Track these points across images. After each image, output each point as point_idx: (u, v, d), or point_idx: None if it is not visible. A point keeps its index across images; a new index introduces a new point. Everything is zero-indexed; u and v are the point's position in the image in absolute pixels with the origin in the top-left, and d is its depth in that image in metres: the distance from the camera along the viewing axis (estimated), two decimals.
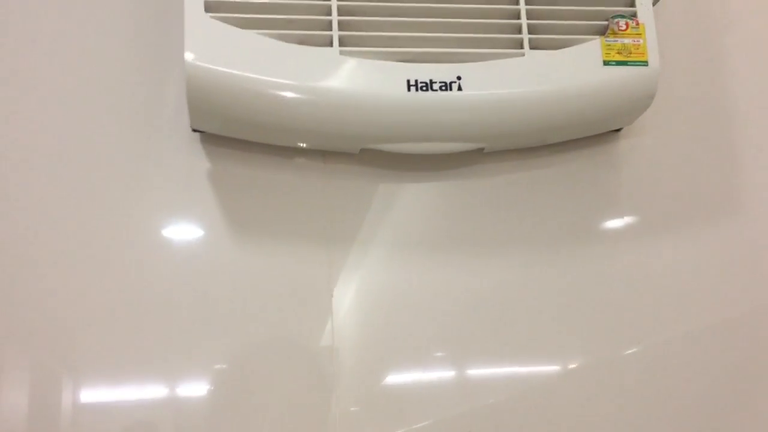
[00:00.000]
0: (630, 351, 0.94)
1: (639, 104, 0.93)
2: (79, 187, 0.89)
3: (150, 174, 0.90)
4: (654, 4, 0.94)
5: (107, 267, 0.87)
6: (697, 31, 1.05)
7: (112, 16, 0.94)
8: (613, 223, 0.99)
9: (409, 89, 0.85)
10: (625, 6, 0.92)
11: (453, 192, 0.96)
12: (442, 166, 0.96)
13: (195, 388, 0.86)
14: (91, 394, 0.84)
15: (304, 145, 0.92)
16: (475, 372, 0.91)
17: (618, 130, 1.01)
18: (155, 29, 0.94)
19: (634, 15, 0.92)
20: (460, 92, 0.86)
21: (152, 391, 0.85)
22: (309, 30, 0.84)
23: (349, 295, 0.91)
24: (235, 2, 0.83)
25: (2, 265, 0.85)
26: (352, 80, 0.84)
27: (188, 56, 0.81)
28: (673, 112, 1.02)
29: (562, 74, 0.88)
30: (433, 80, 0.85)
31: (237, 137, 0.90)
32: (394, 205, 0.95)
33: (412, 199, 0.95)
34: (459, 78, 0.86)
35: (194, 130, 0.91)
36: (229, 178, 0.92)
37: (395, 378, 0.89)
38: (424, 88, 0.85)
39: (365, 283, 0.92)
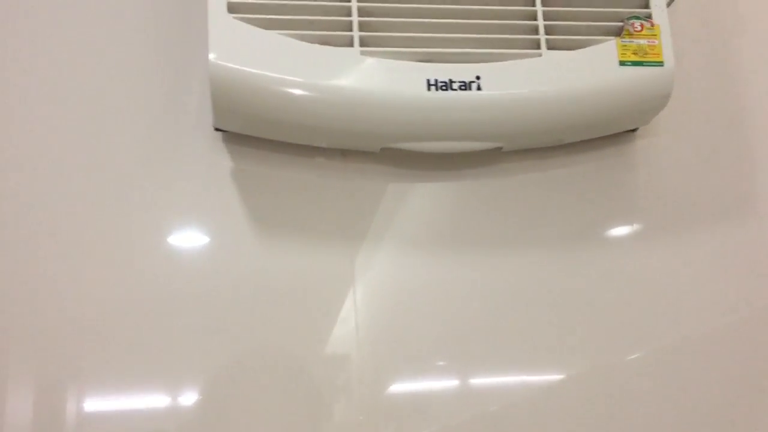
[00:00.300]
0: (648, 354, 0.95)
1: (655, 104, 0.94)
2: (99, 187, 0.90)
3: (173, 173, 0.92)
4: (668, 5, 0.95)
5: (126, 268, 0.88)
6: (711, 32, 1.06)
7: (135, 16, 0.95)
8: (629, 224, 1.00)
9: (429, 89, 0.86)
10: (640, 7, 0.93)
11: (471, 191, 0.97)
12: (460, 165, 0.98)
13: (204, 393, 0.86)
14: (96, 403, 0.84)
15: (325, 144, 0.93)
16: (485, 377, 0.92)
17: (634, 130, 1.02)
18: (178, 29, 0.95)
19: (648, 16, 0.93)
20: (479, 92, 0.87)
21: (159, 399, 0.85)
22: (330, 30, 0.86)
23: (369, 295, 0.92)
24: (257, 3, 0.85)
25: (11, 267, 0.86)
26: (372, 80, 0.86)
27: (212, 56, 0.83)
28: (688, 112, 1.03)
29: (579, 74, 0.90)
30: (453, 80, 0.87)
31: (259, 136, 0.92)
32: (414, 204, 0.96)
33: (431, 198, 0.96)
34: (478, 78, 0.87)
35: (217, 129, 0.93)
36: (251, 176, 0.93)
37: (415, 380, 0.90)
38: (444, 88, 0.86)
39: (386, 282, 0.93)
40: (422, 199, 0.96)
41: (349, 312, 0.91)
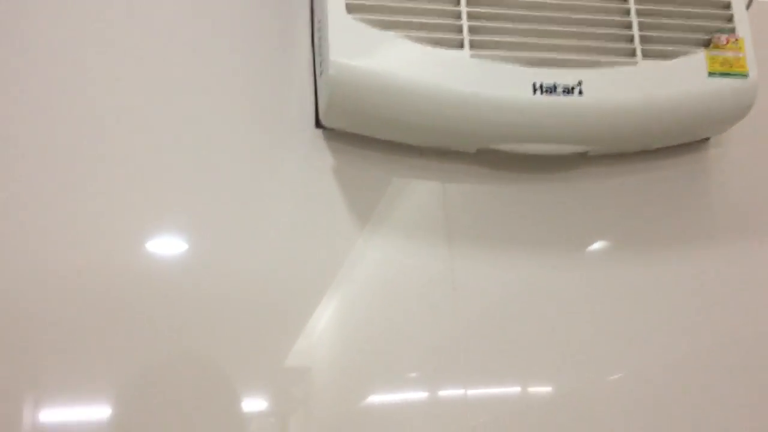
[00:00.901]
0: (725, 355, 0.99)
1: (737, 114, 0.98)
2: (194, 182, 0.91)
3: (273, 169, 0.93)
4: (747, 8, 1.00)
5: (218, 264, 0.90)
6: None
7: (240, 14, 0.97)
8: (700, 230, 1.04)
9: (534, 92, 0.89)
10: (724, 20, 0.97)
11: (558, 193, 1.00)
12: (548, 168, 1.01)
13: (162, 401, 0.84)
14: (54, 411, 0.81)
15: (424, 142, 0.96)
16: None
17: (707, 139, 1.06)
18: (281, 27, 0.97)
19: (733, 30, 0.98)
20: (581, 97, 0.90)
21: (120, 406, 0.82)
22: (441, 33, 0.89)
23: (468, 294, 0.94)
24: (374, 4, 0.87)
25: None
26: (481, 82, 0.89)
27: (333, 55, 0.85)
28: (759, 122, 1.07)
29: (672, 83, 0.94)
30: (557, 84, 0.90)
31: (362, 134, 0.94)
32: (507, 204, 0.99)
33: (523, 198, 0.99)
34: (580, 83, 0.91)
35: (317, 127, 0.95)
36: (351, 174, 0.95)
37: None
38: (549, 92, 0.90)
39: (485, 281, 0.95)
40: (513, 199, 0.99)
41: (451, 310, 0.93)
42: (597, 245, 1.00)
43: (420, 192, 0.97)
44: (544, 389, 0.93)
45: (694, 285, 1.01)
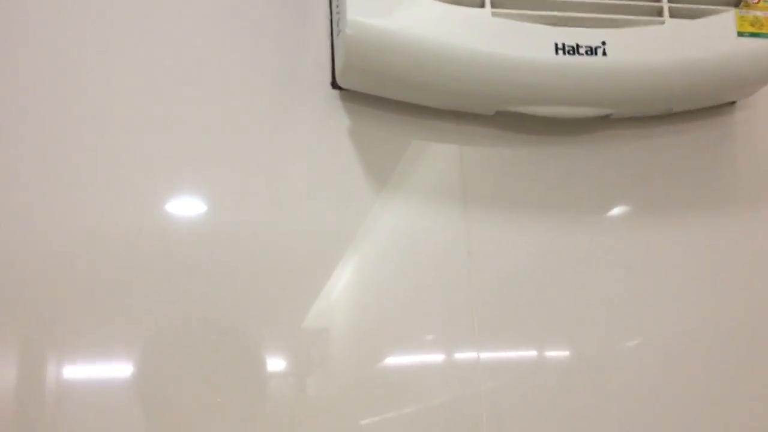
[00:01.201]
0: (745, 324, 0.97)
1: (766, 76, 0.95)
2: (208, 141, 0.90)
3: (289, 129, 0.92)
4: None
5: (233, 224, 0.89)
6: None
7: None
8: (726, 194, 1.01)
9: (557, 52, 0.87)
10: None
11: (579, 157, 0.98)
12: (568, 131, 0.99)
13: (181, 360, 0.84)
14: (78, 368, 0.81)
15: (443, 104, 0.94)
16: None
17: (733, 103, 1.03)
18: None
19: None
20: (604, 57, 0.88)
21: (140, 363, 0.83)
22: None
23: (484, 258, 0.93)
24: None
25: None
26: (503, 41, 0.86)
27: (350, 14, 0.83)
28: None
29: (699, 44, 0.91)
30: (580, 45, 0.87)
31: (379, 95, 0.92)
32: (525, 168, 0.97)
33: (542, 162, 0.97)
34: (604, 43, 0.88)
35: (334, 87, 0.93)
36: (366, 135, 0.93)
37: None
38: (571, 52, 0.87)
39: (501, 245, 0.94)
40: (535, 162, 0.97)
41: (465, 273, 0.92)
42: (617, 210, 0.98)
43: (437, 155, 0.95)
44: (561, 353, 0.92)
45: (717, 251, 0.99)
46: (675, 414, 0.92)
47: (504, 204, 0.95)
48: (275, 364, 0.86)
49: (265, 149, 0.91)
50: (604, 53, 0.88)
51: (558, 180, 0.97)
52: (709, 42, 0.91)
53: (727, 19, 0.92)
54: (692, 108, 1.00)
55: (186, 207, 0.88)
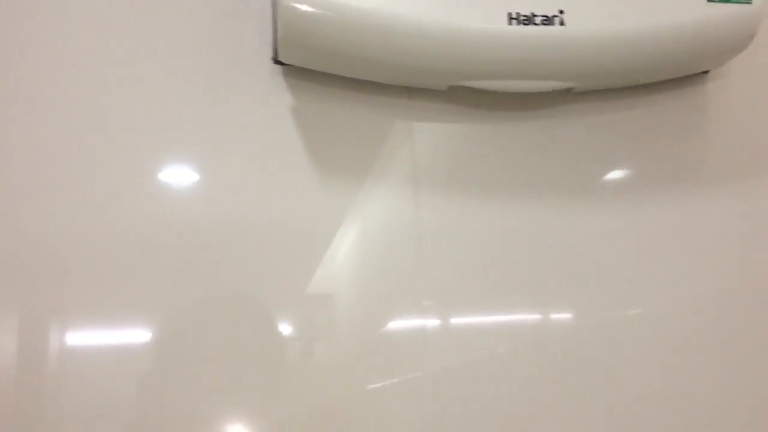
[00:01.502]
0: (710, 300, 0.92)
1: (738, 44, 0.89)
2: (138, 121, 0.85)
3: (228, 107, 0.86)
4: None
5: (169, 205, 0.84)
6: None
7: None
8: (697, 169, 0.96)
9: (510, 22, 0.81)
10: None
11: (539, 133, 0.93)
12: (527, 106, 0.93)
13: (183, 329, 0.82)
14: (79, 337, 0.79)
15: (392, 80, 0.88)
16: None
17: (705, 72, 0.97)
18: None
19: None
20: (562, 27, 0.82)
21: (140, 334, 0.81)
22: None
23: (436, 238, 0.88)
24: None
25: None
26: (451, 11, 0.80)
27: None
28: (761, 56, 0.98)
29: (667, 10, 0.84)
30: (535, 13, 0.81)
31: (324, 70, 0.86)
32: (481, 145, 0.91)
33: (498, 139, 0.92)
34: (561, 12, 0.82)
35: (276, 62, 0.87)
36: (312, 113, 0.88)
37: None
38: (526, 22, 0.81)
39: (454, 225, 0.88)
40: (491, 139, 0.91)
41: (416, 251, 0.87)
42: (580, 189, 0.93)
43: (387, 132, 0.89)
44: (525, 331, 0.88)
45: (689, 226, 0.94)
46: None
47: (458, 184, 0.90)
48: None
49: (202, 130, 0.85)
50: (562, 23, 0.82)
51: (518, 158, 0.92)
52: (676, 9, 0.85)
53: None
54: (661, 79, 0.94)
55: (119, 196, 0.83)
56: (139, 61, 0.86)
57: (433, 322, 0.86)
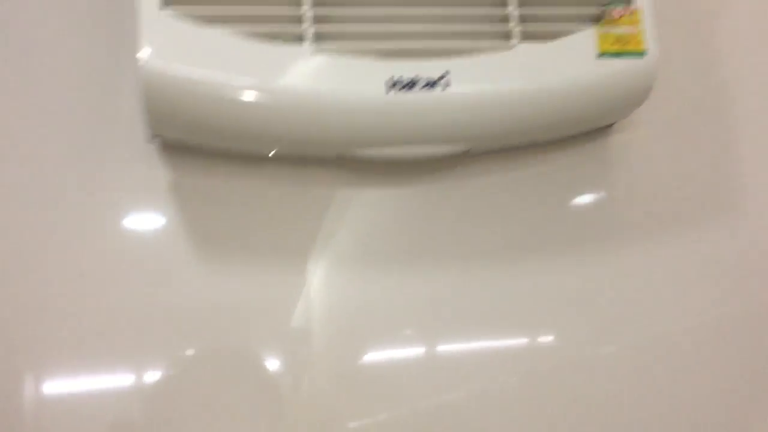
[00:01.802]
0: (620, 356, 0.89)
1: (636, 98, 0.86)
2: (19, 205, 0.80)
3: (102, 188, 0.82)
4: None
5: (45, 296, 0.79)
6: (695, 15, 0.98)
7: (61, 15, 0.84)
8: (606, 224, 0.93)
9: (389, 89, 0.77)
10: None
11: (435, 196, 0.89)
12: (423, 170, 0.89)
13: (162, 382, 0.79)
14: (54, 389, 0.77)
15: (274, 152, 0.83)
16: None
17: (610, 125, 0.94)
18: (108, 27, 0.84)
19: (629, 1, 0.85)
20: (446, 91, 0.78)
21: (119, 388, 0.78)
22: (278, 24, 0.76)
23: (325, 309, 0.84)
24: None
25: None
26: (326, 81, 0.76)
27: (143, 55, 0.72)
28: (668, 104, 0.95)
29: (556, 68, 0.81)
30: (418, 78, 0.78)
31: (200, 144, 0.82)
32: (375, 212, 0.87)
33: (393, 205, 0.88)
34: (445, 75, 0.78)
35: (155, 135, 0.83)
36: (194, 189, 0.83)
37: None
38: (408, 86, 0.77)
39: (343, 296, 0.84)
40: (385, 206, 0.88)
41: (306, 324, 0.82)
42: (480, 254, 0.89)
43: (276, 206, 0.85)
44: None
45: (592, 288, 0.90)
46: None
47: (355, 255, 0.86)
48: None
49: (74, 210, 0.81)
50: (447, 85, 0.78)
51: (412, 226, 0.88)
52: (567, 66, 0.82)
53: (587, 38, 0.83)
54: (560, 136, 0.91)
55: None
56: (9, 140, 0.81)
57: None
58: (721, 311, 0.92)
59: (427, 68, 0.78)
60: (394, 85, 0.77)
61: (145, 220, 0.83)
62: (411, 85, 0.77)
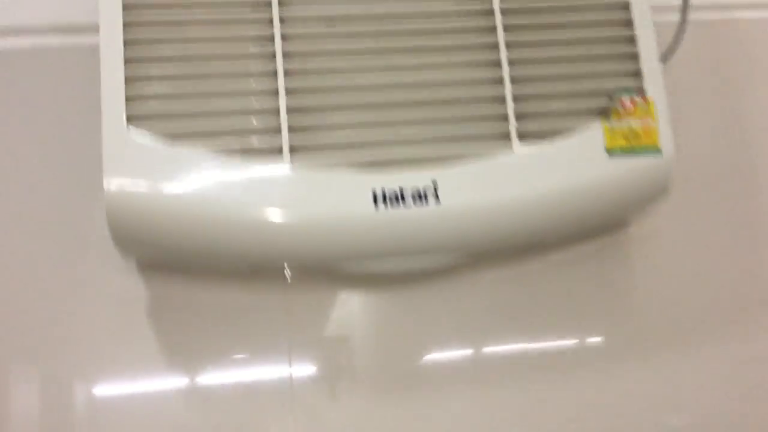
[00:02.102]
0: None
1: (650, 199, 0.79)
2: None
3: (78, 309, 0.77)
4: (664, 60, 0.80)
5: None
6: (718, 88, 0.91)
7: (31, 133, 0.81)
8: (618, 330, 0.84)
9: (376, 205, 0.70)
10: (629, 75, 0.77)
11: (437, 305, 0.82)
12: (421, 278, 0.82)
13: None
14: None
15: (255, 270, 0.78)
16: None
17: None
18: (76, 145, 0.80)
19: (640, 89, 0.77)
20: (438, 203, 0.71)
21: None
22: (252, 138, 0.70)
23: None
24: (162, 113, 0.69)
25: None
26: (307, 199, 0.70)
27: (108, 182, 0.67)
28: (689, 194, 0.87)
29: (559, 171, 0.74)
30: (404, 190, 0.71)
31: (178, 266, 0.77)
32: (368, 324, 0.81)
33: (387, 316, 0.81)
34: (435, 185, 0.71)
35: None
36: (175, 306, 0.78)
37: None
38: (396, 200, 0.71)
39: (332, 416, 0.78)
40: (379, 317, 0.81)
41: None
42: (492, 359, 0.82)
43: (259, 320, 0.79)
44: None
45: (611, 400, 0.82)
46: None
47: (342, 368, 0.80)
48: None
49: (49, 332, 0.76)
50: (437, 197, 0.71)
51: (420, 331, 0.81)
52: (571, 168, 0.74)
53: (594, 135, 0.75)
54: (572, 239, 0.84)
55: None
56: None
57: None
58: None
59: (414, 179, 0.71)
60: (381, 199, 0.70)
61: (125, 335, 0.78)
62: (399, 198, 0.71)
